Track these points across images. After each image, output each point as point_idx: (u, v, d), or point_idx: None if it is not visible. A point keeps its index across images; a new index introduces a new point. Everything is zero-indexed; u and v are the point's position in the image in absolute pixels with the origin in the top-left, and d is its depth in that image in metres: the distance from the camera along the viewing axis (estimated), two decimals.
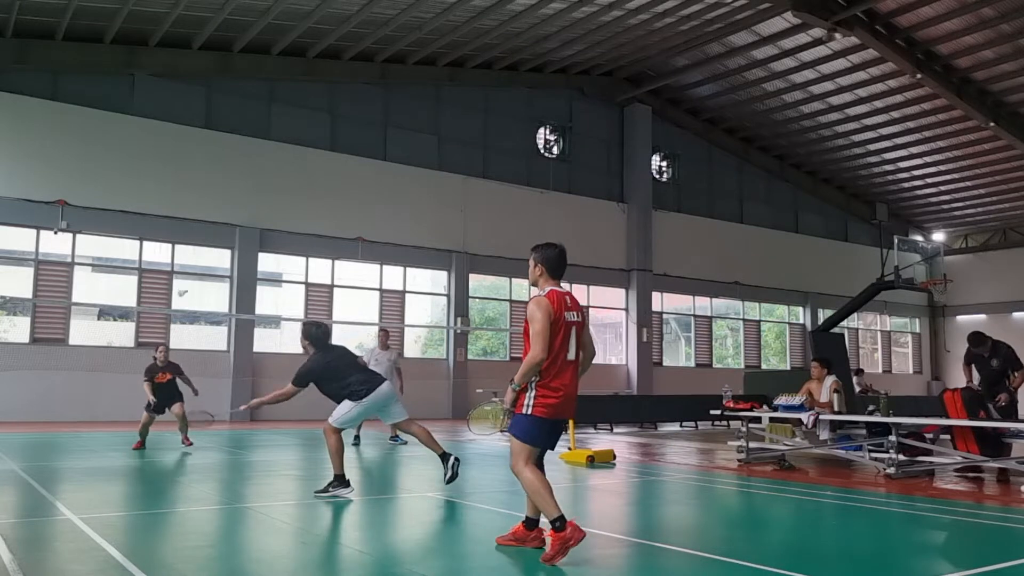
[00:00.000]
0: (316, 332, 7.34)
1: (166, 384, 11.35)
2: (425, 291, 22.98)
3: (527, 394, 4.83)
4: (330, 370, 7.09)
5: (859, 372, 25.66)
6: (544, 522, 4.79)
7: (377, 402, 7.08)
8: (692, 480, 9.02)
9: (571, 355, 4.88)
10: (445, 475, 7.07)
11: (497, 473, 9.56)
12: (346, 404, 7.02)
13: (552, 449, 5.06)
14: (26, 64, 17.45)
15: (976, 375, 10.33)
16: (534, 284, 5.05)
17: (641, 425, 18.27)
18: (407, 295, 22.15)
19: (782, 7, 19.59)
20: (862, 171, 30.54)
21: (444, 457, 7.15)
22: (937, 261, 30.21)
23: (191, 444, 11.32)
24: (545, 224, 24.05)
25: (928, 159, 28.61)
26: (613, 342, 26.38)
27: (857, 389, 21.78)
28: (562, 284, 5.04)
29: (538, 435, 4.84)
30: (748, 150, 29.50)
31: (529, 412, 4.80)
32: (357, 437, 12.42)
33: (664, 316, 27.03)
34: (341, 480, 6.94)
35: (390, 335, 13.05)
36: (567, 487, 8.36)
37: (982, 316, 32.21)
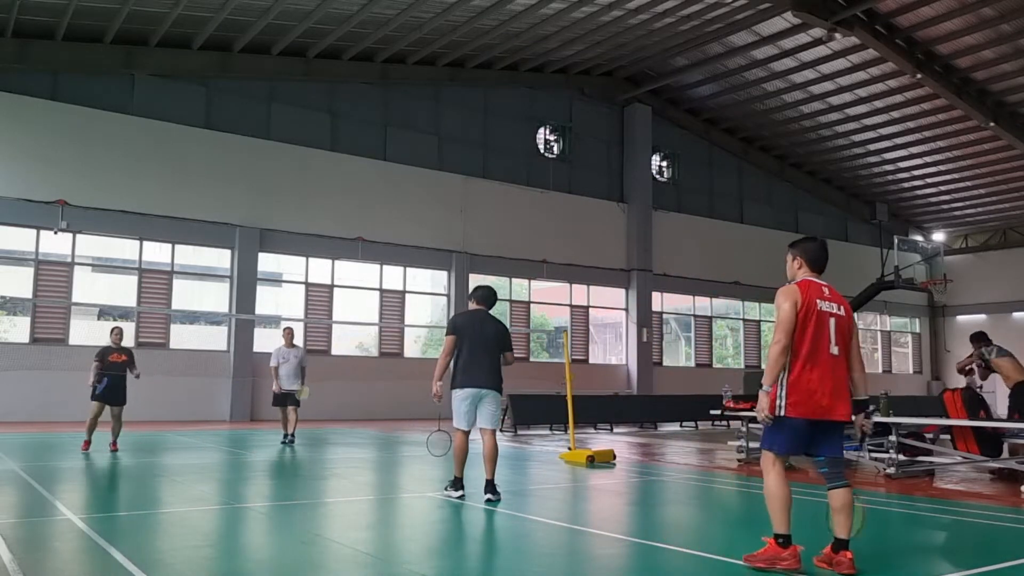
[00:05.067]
0: (475, 293, 7.20)
1: (118, 367, 10.76)
2: (425, 291, 22.99)
3: (777, 392, 4.43)
4: (460, 329, 6.92)
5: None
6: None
7: (475, 396, 6.85)
8: (692, 480, 9.02)
9: (833, 350, 4.47)
10: (488, 496, 6.81)
11: (497, 473, 9.54)
12: (451, 395, 6.85)
13: (815, 455, 4.60)
14: (26, 64, 17.45)
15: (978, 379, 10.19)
16: (792, 279, 4.73)
17: (641, 425, 18.27)
18: (407, 295, 22.15)
19: (782, 7, 19.60)
20: (862, 171, 30.53)
21: (489, 484, 6.92)
22: (937, 261, 30.30)
23: (117, 450, 10.64)
24: (545, 224, 24.09)
25: (928, 159, 28.60)
26: (613, 342, 26.36)
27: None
28: (809, 278, 4.69)
29: (780, 435, 4.46)
30: (748, 150, 29.50)
31: (781, 413, 4.41)
32: (289, 436, 12.31)
33: (664, 316, 27.02)
34: (456, 482, 6.99)
35: (294, 333, 13.29)
36: (567, 487, 8.36)
37: (982, 316, 32.19)
